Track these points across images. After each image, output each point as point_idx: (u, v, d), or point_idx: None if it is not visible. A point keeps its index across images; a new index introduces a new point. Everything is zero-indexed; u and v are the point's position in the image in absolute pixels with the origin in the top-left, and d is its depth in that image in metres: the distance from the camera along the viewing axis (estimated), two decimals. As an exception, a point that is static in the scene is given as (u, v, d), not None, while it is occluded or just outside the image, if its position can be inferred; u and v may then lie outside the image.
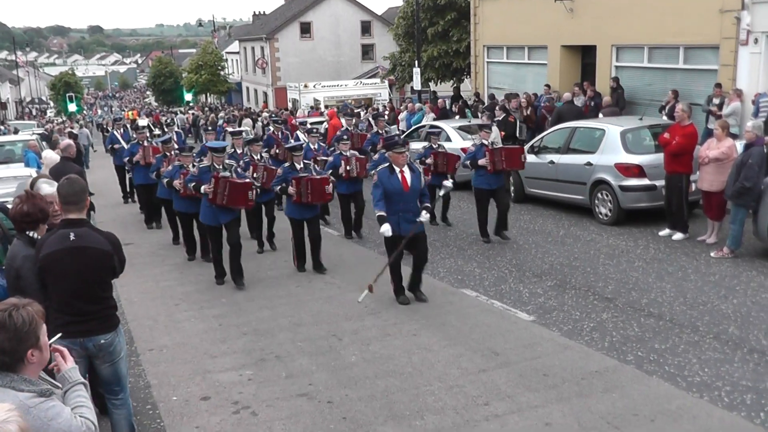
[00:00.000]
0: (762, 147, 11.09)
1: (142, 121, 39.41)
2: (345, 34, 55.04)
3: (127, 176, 19.51)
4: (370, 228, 14.14)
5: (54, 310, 5.32)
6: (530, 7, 23.93)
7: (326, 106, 37.83)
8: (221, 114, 42.93)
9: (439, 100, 27.24)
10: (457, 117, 24.33)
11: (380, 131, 17.17)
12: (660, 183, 12.83)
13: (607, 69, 21.39)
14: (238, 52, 66.06)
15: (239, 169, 11.63)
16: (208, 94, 66.51)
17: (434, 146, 14.29)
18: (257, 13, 69.85)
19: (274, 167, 12.98)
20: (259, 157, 13.35)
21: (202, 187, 10.90)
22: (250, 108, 47.86)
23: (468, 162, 13.24)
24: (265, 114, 30.70)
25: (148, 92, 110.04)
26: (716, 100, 16.83)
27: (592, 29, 21.45)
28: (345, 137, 14.41)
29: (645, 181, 13.38)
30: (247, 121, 33.28)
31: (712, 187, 11.60)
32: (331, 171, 13.06)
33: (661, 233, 12.66)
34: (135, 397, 7.26)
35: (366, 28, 56.13)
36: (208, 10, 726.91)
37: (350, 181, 13.77)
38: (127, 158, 16.59)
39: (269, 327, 9.24)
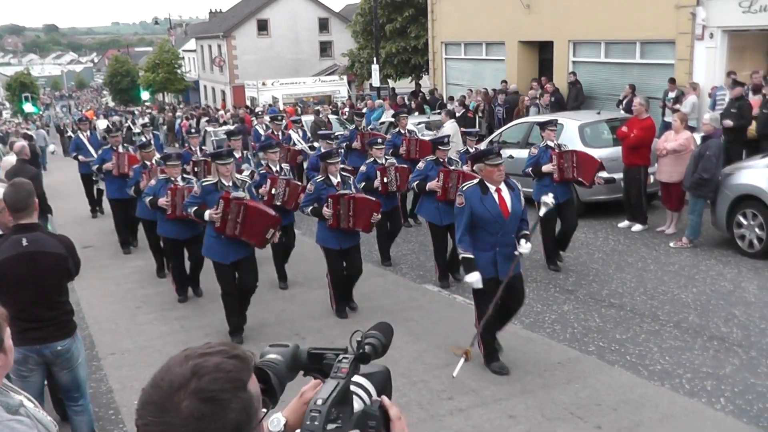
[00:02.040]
0: (719, 139, 11.26)
1: (101, 123, 38.75)
2: (303, 31, 54.79)
3: (95, 187, 16.86)
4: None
5: (9, 317, 5.20)
6: (487, 4, 24.04)
7: (285, 104, 37.65)
8: (178, 113, 42.52)
9: (398, 97, 27.28)
10: (416, 113, 24.38)
11: (403, 131, 14.29)
12: (618, 176, 12.95)
13: (564, 64, 21.59)
14: (195, 50, 65.39)
15: (253, 189, 9.31)
16: (165, 93, 65.76)
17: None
18: (214, 10, 69.16)
19: (298, 182, 10.76)
20: (278, 168, 10.50)
21: (207, 213, 8.32)
22: (209, 106, 47.42)
23: (530, 169, 10.87)
24: (258, 109, 29.33)
25: (104, 92, 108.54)
26: (671, 94, 17.05)
27: (549, 25, 21.63)
28: (380, 141, 11.61)
29: (603, 174, 13.47)
30: (205, 120, 32.89)
31: (671, 179, 11.75)
32: (363, 184, 10.61)
33: (621, 225, 12.78)
34: (97, 403, 7.16)
35: (324, 25, 55.92)
36: (165, 7, 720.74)
37: (387, 195, 10.96)
38: (97, 167, 13.91)
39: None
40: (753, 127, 13.71)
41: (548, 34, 21.97)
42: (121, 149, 13.57)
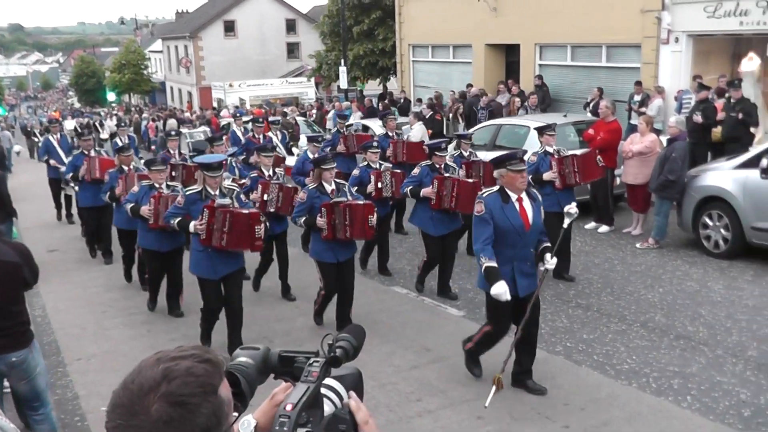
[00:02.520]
0: (685, 141, 11.38)
1: (69, 123, 38.18)
2: (270, 33, 54.60)
3: (63, 192, 16.07)
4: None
5: None
6: (454, 6, 24.09)
7: (252, 106, 37.50)
8: (144, 115, 42.13)
9: (366, 99, 27.28)
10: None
11: (391, 133, 14.02)
12: (584, 178, 13.04)
13: (531, 67, 21.70)
14: (161, 51, 64.94)
15: (242, 195, 8.53)
16: (131, 94, 65.25)
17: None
18: (180, 11, 68.86)
19: (291, 185, 10.09)
20: (270, 172, 10.00)
21: (192, 224, 7.78)
22: (175, 108, 47.07)
23: (529, 177, 10.33)
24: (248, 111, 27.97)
25: (70, 92, 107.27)
26: (637, 97, 17.20)
27: (516, 28, 21.72)
28: (375, 144, 11.17)
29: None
30: (172, 122, 32.56)
31: (637, 181, 11.85)
32: (356, 189, 9.92)
33: (588, 226, 12.87)
34: (62, 409, 7.04)
35: (291, 27, 55.79)
36: (131, 7, 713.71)
37: (380, 202, 10.22)
38: (71, 175, 12.81)
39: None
40: (718, 130, 13.88)
41: (515, 37, 22.06)
42: (93, 153, 12.69)
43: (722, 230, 10.75)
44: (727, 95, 14.15)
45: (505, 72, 23.64)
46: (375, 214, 8.48)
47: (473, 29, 23.34)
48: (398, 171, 10.87)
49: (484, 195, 6.70)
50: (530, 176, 9.39)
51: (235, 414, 1.80)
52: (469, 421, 6.42)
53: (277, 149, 14.26)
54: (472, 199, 8.65)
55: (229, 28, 54.39)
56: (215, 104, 43.10)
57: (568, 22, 19.73)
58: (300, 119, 26.64)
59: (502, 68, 23.90)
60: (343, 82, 29.40)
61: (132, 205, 9.42)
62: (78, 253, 13.61)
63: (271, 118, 21.29)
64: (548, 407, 6.54)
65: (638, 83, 17.41)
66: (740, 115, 13.16)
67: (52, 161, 15.26)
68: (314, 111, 30.30)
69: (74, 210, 15.26)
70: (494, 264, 6.41)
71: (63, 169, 13.96)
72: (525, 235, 6.55)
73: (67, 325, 9.67)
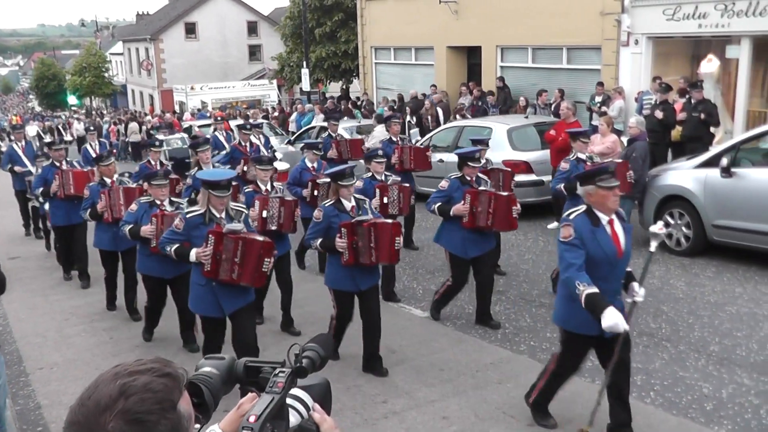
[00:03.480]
0: (645, 141, 11.49)
1: (31, 129, 37.42)
2: (231, 35, 54.30)
3: (30, 204, 14.50)
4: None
5: None
6: (416, 9, 24.13)
7: (214, 108, 37.24)
8: (106, 118, 41.62)
9: (329, 101, 27.22)
10: (344, 118, 24.30)
11: (394, 138, 12.69)
12: (547, 178, 13.11)
13: (492, 69, 21.82)
14: (122, 54, 64.30)
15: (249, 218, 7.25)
16: (92, 98, 64.49)
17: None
18: (141, 12, 68.14)
19: (291, 198, 8.95)
20: (268, 186, 8.88)
21: (193, 253, 6.56)
22: (137, 111, 46.57)
23: (563, 185, 9.32)
24: (239, 115, 26.98)
25: (31, 96, 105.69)
26: (598, 98, 17.35)
27: (477, 30, 21.81)
28: (380, 152, 9.96)
29: (532, 177, 13.67)
30: (134, 125, 32.18)
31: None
32: None
33: (550, 226, 12.93)
34: (25, 420, 6.92)
35: (252, 29, 55.52)
36: (91, 9, 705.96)
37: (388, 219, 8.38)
38: (41, 190, 11.47)
39: (161, 338, 8.90)
40: (678, 129, 14.04)
41: (476, 39, 22.14)
42: (65, 165, 11.42)
43: (684, 228, 10.89)
44: (687, 96, 14.32)
45: (467, 74, 23.72)
46: (402, 235, 7.46)
47: (435, 32, 23.40)
48: (406, 185, 9.97)
49: (571, 217, 5.59)
50: (563, 185, 9.15)
51: (197, 426, 1.76)
52: (434, 422, 6.41)
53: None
54: (509, 215, 8.39)
55: (190, 30, 53.99)
56: (177, 107, 42.75)
57: (529, 24, 19.85)
58: (263, 122, 26.46)
59: (464, 70, 24.00)
60: (305, 84, 29.30)
61: (130, 226, 8.12)
62: (39, 260, 13.40)
63: (258, 121, 20.38)
64: (513, 406, 6.54)
65: (600, 84, 17.55)
66: (702, 116, 13.32)
67: (17, 168, 14.11)
68: (276, 114, 30.14)
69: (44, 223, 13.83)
70: (596, 289, 5.29)
71: (32, 178, 12.58)
72: (617, 264, 5.63)
73: (29, 334, 9.48)
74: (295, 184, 10.55)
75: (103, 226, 9.46)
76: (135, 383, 1.59)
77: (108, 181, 9.61)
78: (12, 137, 15.29)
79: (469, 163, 8.53)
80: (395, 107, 21.73)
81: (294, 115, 26.38)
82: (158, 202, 8.18)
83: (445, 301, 8.91)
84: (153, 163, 11.97)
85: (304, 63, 29.10)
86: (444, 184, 8.60)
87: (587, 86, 18.52)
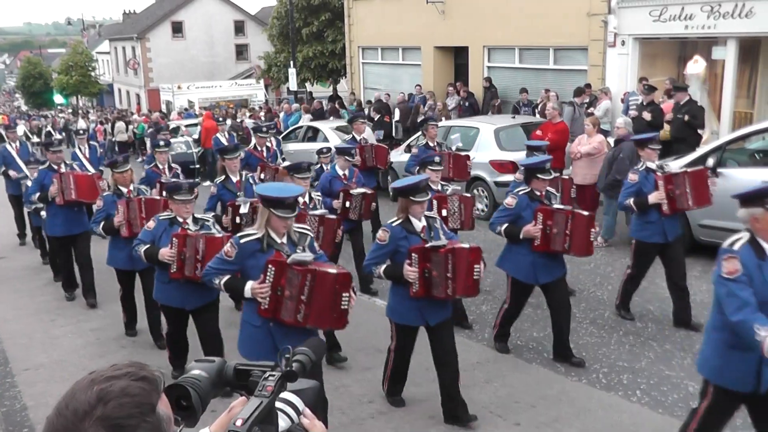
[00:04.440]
0: (632, 142, 11.50)
1: (19, 129, 36.97)
2: (218, 34, 54.13)
3: (25, 211, 12.89)
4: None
5: None
6: (403, 9, 24.14)
7: (201, 108, 37.11)
8: (92, 117, 41.41)
9: (315, 101, 27.18)
10: (330, 117, 24.26)
11: (431, 143, 11.54)
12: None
13: (479, 69, 21.84)
14: (108, 53, 63.99)
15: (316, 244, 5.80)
16: (79, 97, 64.15)
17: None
18: (127, 11, 67.80)
19: (332, 217, 8.13)
20: (306, 198, 8.05)
21: (248, 287, 5.27)
22: (124, 110, 46.38)
23: (631, 201, 8.16)
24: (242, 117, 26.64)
25: (17, 95, 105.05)
26: (585, 99, 17.38)
27: (464, 31, 21.84)
28: (437, 159, 8.56)
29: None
30: (120, 124, 31.99)
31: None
32: None
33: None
34: (11, 421, 6.87)
35: (240, 28, 55.37)
36: (77, 8, 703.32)
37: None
38: (38, 196, 10.03)
39: (147, 339, 8.82)
40: (666, 129, 14.08)
41: (463, 39, 22.17)
42: (63, 168, 10.21)
43: (669, 229, 10.89)
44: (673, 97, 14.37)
45: (454, 74, 23.76)
46: (482, 263, 6.16)
47: (422, 32, 23.41)
48: (468, 195, 8.91)
49: (735, 247, 4.56)
50: (633, 200, 8.10)
51: (177, 428, 1.77)
52: (421, 422, 6.41)
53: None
54: (587, 238, 7.19)
55: (177, 29, 53.78)
56: (164, 107, 42.57)
57: (516, 24, 19.89)
58: (250, 122, 26.37)
59: (451, 70, 24.01)
60: (292, 84, 29.24)
61: (146, 247, 7.02)
62: (26, 260, 13.28)
63: (266, 124, 19.73)
64: (499, 405, 6.56)
65: (588, 85, 17.60)
66: (686, 117, 13.36)
67: (11, 172, 12.96)
68: (262, 113, 30.05)
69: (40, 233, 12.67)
70: None
71: (29, 182, 11.05)
72: None
73: (15, 335, 9.40)
74: (324, 194, 9.21)
75: (119, 242, 8.39)
76: (112, 388, 1.57)
77: (124, 190, 8.57)
78: (6, 137, 14.05)
79: (539, 176, 7.30)
80: (380, 107, 21.66)
81: (281, 115, 26.28)
82: (180, 220, 7.06)
83: (506, 327, 7.92)
84: (161, 167, 10.81)
85: (291, 63, 29.04)
86: (510, 201, 7.36)
87: (574, 87, 18.52)
